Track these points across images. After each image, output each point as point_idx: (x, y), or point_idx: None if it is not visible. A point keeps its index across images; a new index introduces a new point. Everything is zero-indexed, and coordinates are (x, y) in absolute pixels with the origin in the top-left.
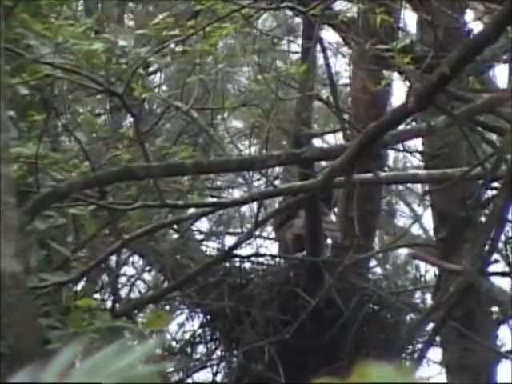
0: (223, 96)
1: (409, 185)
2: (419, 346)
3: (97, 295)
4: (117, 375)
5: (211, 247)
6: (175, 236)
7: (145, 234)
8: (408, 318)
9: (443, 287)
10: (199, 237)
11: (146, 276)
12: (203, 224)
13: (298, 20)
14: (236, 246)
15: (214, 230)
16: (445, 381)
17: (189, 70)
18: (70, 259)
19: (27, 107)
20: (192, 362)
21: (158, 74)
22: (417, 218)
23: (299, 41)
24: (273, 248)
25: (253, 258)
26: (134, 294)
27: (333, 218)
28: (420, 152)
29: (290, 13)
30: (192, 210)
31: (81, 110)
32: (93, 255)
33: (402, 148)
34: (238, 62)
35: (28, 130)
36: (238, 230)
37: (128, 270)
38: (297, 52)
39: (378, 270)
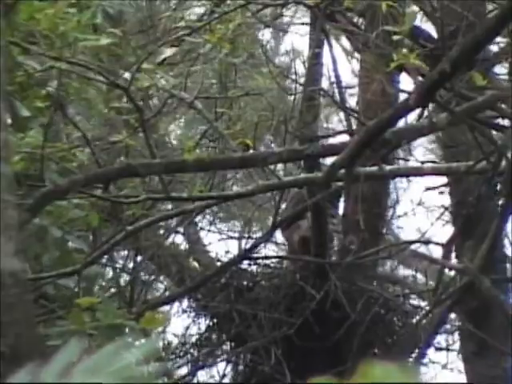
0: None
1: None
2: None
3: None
4: (118, 374)
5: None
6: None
7: (149, 225)
8: (414, 320)
9: (443, 285)
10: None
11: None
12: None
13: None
14: (253, 247)
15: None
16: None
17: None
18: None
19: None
20: (198, 363)
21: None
22: (433, 222)
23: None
24: (276, 247)
25: (259, 261)
26: (149, 296)
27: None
28: (432, 162)
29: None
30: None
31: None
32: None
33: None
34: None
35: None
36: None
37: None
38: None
39: (385, 272)
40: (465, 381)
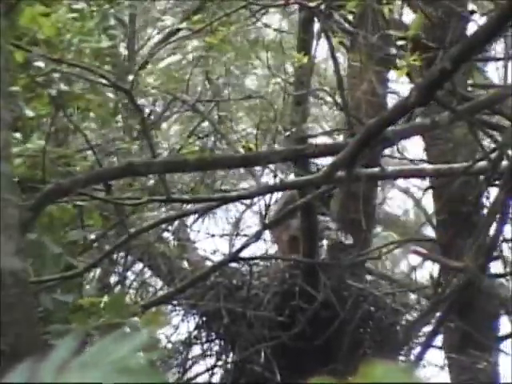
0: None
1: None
2: (417, 345)
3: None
4: (114, 365)
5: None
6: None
7: (150, 228)
8: (404, 318)
9: (443, 284)
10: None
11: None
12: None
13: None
14: (243, 248)
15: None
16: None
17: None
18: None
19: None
20: (188, 363)
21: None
22: (428, 219)
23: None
24: (265, 246)
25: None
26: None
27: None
28: (426, 161)
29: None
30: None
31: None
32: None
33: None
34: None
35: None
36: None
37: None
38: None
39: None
40: (446, 376)
